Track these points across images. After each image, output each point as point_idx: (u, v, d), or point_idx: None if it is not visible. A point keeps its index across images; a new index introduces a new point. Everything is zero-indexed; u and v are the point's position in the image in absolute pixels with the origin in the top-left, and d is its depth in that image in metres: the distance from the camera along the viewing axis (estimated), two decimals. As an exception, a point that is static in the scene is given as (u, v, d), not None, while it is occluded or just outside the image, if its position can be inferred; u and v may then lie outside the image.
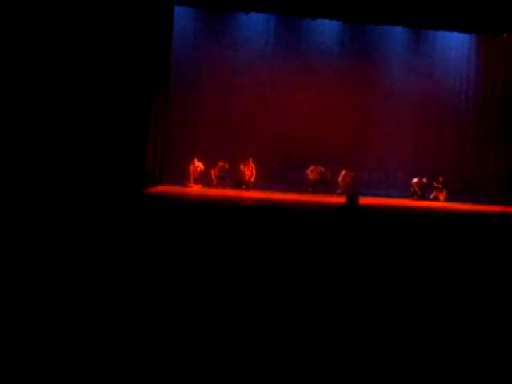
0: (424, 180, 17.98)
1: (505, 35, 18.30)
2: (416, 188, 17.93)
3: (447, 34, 18.63)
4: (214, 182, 17.16)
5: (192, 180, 16.91)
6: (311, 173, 17.50)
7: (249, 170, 17.13)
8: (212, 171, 17.17)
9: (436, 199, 17.96)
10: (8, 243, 6.22)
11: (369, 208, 13.28)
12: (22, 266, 5.32)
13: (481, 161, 19.16)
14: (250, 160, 17.11)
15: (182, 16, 17.33)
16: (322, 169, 17.55)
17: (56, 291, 4.66)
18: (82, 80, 13.27)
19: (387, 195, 17.54)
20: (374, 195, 16.91)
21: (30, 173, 12.14)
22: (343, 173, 17.44)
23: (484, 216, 13.71)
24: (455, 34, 18.65)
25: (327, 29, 18.45)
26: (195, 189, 16.48)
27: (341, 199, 13.70)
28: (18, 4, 12.56)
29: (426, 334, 4.12)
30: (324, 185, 17.55)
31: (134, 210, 10.60)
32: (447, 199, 17.89)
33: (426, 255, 7.35)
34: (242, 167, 17.14)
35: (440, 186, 17.97)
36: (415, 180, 17.97)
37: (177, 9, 16.72)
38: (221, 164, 17.20)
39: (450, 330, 4.26)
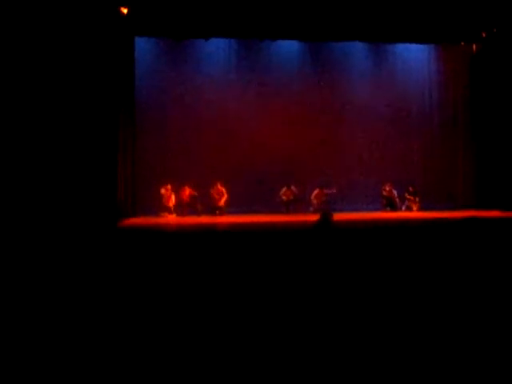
0: (394, 191, 18.16)
1: (462, 43, 18.79)
2: (387, 199, 18.15)
3: (407, 45, 18.89)
4: (186, 209, 17.06)
5: (166, 209, 16.80)
6: (284, 194, 17.53)
7: (220, 195, 17.09)
8: (183, 198, 17.07)
9: (409, 209, 18.13)
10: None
11: (343, 224, 13.25)
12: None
13: (450, 169, 19.42)
14: (218, 183, 17.10)
15: (144, 46, 17.38)
16: (294, 189, 17.57)
17: (27, 328, 4.64)
18: (45, 117, 13.17)
19: (360, 209, 17.65)
20: (347, 210, 16.94)
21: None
22: (316, 191, 17.53)
23: (455, 222, 13.82)
24: (414, 46, 18.93)
25: (288, 49, 18.56)
26: (169, 218, 16.36)
27: (315, 217, 13.78)
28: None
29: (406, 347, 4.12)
30: (297, 203, 17.59)
31: (108, 244, 10.27)
32: (420, 208, 18.06)
33: (405, 266, 7.31)
34: (214, 192, 17.10)
35: (412, 197, 18.16)
36: (386, 190, 18.16)
37: (138, 40, 16.79)
38: (190, 190, 17.13)
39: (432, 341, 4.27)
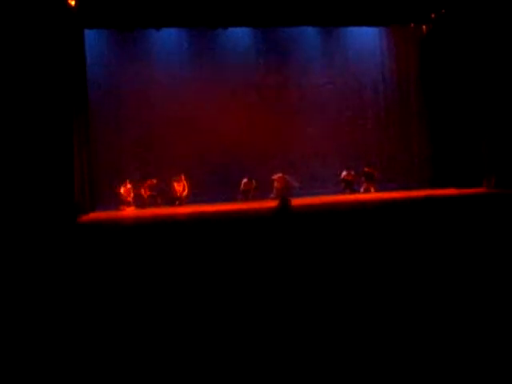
0: (352, 173, 18.33)
1: (412, 25, 19.17)
2: (346, 182, 18.31)
3: (358, 29, 19.05)
4: (146, 201, 16.96)
5: (125, 203, 16.66)
6: (244, 185, 17.57)
7: (180, 186, 17.05)
8: (142, 190, 16.99)
9: (367, 191, 18.35)
10: None
11: (302, 209, 13.38)
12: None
13: (405, 148, 19.69)
14: (182, 176, 17.06)
15: (94, 39, 17.14)
16: (255, 182, 17.61)
17: None
18: None
19: (320, 193, 17.67)
20: (307, 195, 17.02)
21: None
22: (275, 177, 17.52)
23: (413, 201, 14.26)
24: (365, 29, 19.12)
25: (240, 36, 18.56)
26: (128, 211, 16.27)
27: (274, 203, 13.86)
28: None
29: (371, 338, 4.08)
30: (256, 191, 17.63)
31: (67, 240, 10.44)
32: (378, 189, 18.31)
33: (365, 248, 7.42)
34: (174, 184, 17.05)
35: (368, 178, 18.40)
36: (344, 173, 18.32)
37: (87, 32, 16.55)
38: (149, 182, 17.07)
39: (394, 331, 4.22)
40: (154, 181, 17.12)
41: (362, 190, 18.47)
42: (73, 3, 14.75)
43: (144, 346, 4.09)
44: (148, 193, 17.12)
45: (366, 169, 18.46)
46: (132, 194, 16.86)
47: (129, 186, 16.80)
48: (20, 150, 13.19)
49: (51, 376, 3.61)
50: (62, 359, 3.89)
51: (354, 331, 4.18)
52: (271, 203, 14.16)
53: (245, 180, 17.55)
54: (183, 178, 17.10)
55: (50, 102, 13.83)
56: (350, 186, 18.30)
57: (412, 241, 7.82)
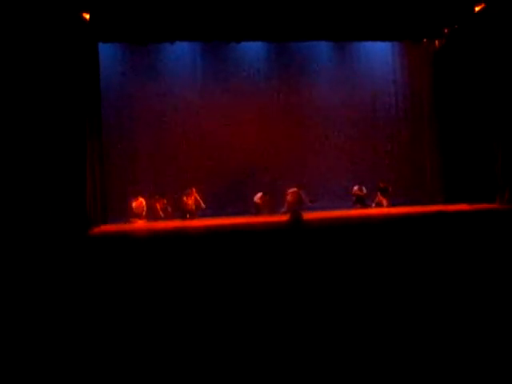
0: (363, 188, 18.34)
1: (424, 40, 19.20)
2: (357, 196, 18.31)
3: (371, 44, 19.14)
4: (157, 214, 16.98)
5: (135, 216, 16.72)
6: (259, 199, 17.51)
7: (191, 200, 17.05)
8: (157, 204, 17.05)
9: (379, 205, 18.33)
10: None
11: (313, 223, 13.40)
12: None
13: (417, 163, 19.70)
14: (193, 189, 17.06)
15: (108, 53, 17.27)
16: (269, 198, 17.55)
17: None
18: (11, 127, 13.05)
19: (330, 208, 17.67)
20: (318, 209, 17.04)
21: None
22: (290, 191, 17.48)
23: (425, 217, 14.09)
24: (378, 44, 19.21)
25: (253, 51, 18.69)
26: (139, 224, 16.31)
27: (285, 217, 13.78)
28: None
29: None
30: (267, 206, 17.54)
31: (78, 252, 10.23)
32: (390, 204, 18.26)
33: (376, 262, 7.36)
34: (184, 198, 17.05)
35: (382, 193, 18.40)
36: (355, 188, 18.32)
37: (101, 46, 16.66)
38: (159, 200, 17.15)
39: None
40: (165, 201, 17.18)
41: (373, 204, 18.46)
42: (87, 17, 14.87)
43: (155, 358, 4.05)
44: (161, 206, 17.13)
45: (381, 184, 18.47)
46: (144, 209, 16.91)
47: (141, 200, 16.87)
48: (33, 162, 13.28)
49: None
50: (71, 371, 3.87)
51: (365, 344, 4.17)
52: (283, 217, 14.29)
53: (258, 194, 17.52)
54: (194, 191, 17.09)
55: (64, 115, 13.96)
56: (361, 201, 18.29)
57: (423, 256, 7.69)
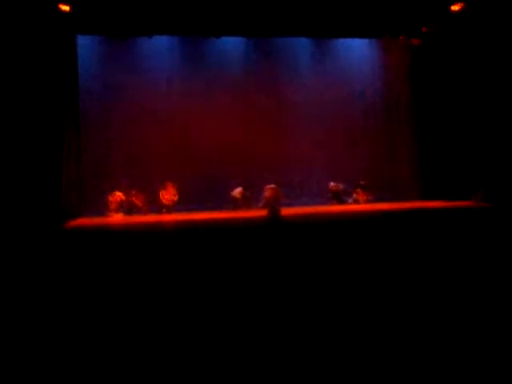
0: (340, 185, 18.54)
1: (402, 37, 19.47)
2: (333, 192, 18.50)
3: (350, 40, 19.42)
4: (134, 208, 17.05)
5: (112, 210, 16.71)
6: (234, 194, 17.62)
7: (168, 194, 17.08)
8: (133, 198, 17.05)
9: (356, 202, 18.56)
10: None
11: (291, 218, 13.56)
12: None
13: (395, 161, 20.07)
14: (170, 184, 17.09)
15: (86, 44, 17.32)
16: (248, 193, 17.70)
17: None
18: None
19: (308, 203, 17.96)
20: (295, 205, 17.33)
21: None
22: (268, 186, 17.63)
23: (402, 213, 14.42)
24: (358, 40, 19.52)
25: (233, 45, 18.79)
26: (116, 217, 16.34)
27: (263, 212, 13.85)
28: None
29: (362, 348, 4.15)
30: (246, 201, 17.66)
31: (52, 245, 10.33)
32: (367, 201, 18.55)
33: (354, 258, 7.53)
34: (161, 192, 17.09)
35: (362, 190, 18.64)
36: (332, 184, 18.52)
37: (80, 38, 16.78)
38: (135, 192, 17.11)
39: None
40: (138, 192, 17.15)
41: (350, 200, 18.67)
42: (66, 9, 14.88)
43: (130, 353, 4.12)
44: (135, 201, 17.12)
45: (361, 181, 18.73)
46: (120, 204, 16.91)
47: (118, 194, 16.87)
48: (8, 153, 13.35)
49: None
50: (42, 368, 3.91)
51: (343, 338, 4.25)
52: (260, 212, 14.46)
53: (238, 189, 17.65)
54: (171, 185, 17.12)
55: (41, 106, 14.07)
56: (337, 197, 18.49)
57: (399, 250, 7.92)
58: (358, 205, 18.18)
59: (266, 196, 17.44)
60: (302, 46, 19.39)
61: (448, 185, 18.09)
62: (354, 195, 18.72)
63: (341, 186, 18.53)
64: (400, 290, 5.74)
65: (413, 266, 6.85)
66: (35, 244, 10.44)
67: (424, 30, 18.64)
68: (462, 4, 16.44)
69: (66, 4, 14.87)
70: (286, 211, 14.13)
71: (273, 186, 17.55)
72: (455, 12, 16.74)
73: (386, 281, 6.11)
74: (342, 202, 18.38)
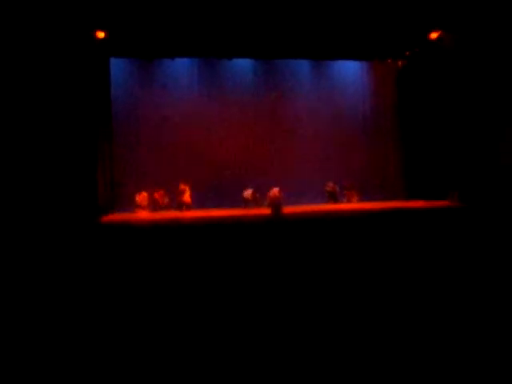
0: (336, 186, 20.32)
1: (389, 60, 21.32)
2: (330, 193, 20.27)
3: (344, 62, 21.25)
4: (158, 206, 18.85)
5: (139, 207, 18.54)
6: (247, 194, 19.29)
7: (187, 194, 18.83)
8: (156, 195, 18.90)
9: (349, 201, 20.36)
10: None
11: (292, 216, 14.74)
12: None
13: (382, 166, 21.82)
14: (187, 187, 18.81)
15: (118, 66, 19.24)
16: (253, 190, 19.29)
17: (14, 326, 4.65)
18: (36, 130, 14.49)
19: (307, 203, 19.44)
20: (296, 204, 18.66)
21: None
22: (271, 189, 18.63)
23: (383, 213, 15.33)
24: (350, 62, 21.34)
25: (242, 66, 20.70)
26: (143, 214, 17.93)
27: (267, 211, 15.54)
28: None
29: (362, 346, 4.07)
30: (255, 202, 19.24)
31: (90, 237, 11.12)
32: (358, 200, 20.34)
33: (344, 252, 7.89)
34: (179, 192, 18.83)
35: (348, 191, 20.47)
36: (329, 186, 20.28)
37: (112, 60, 18.69)
38: (158, 192, 19.03)
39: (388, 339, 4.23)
40: (162, 192, 19.07)
41: (345, 200, 20.43)
42: (101, 35, 16.42)
43: (156, 337, 4.19)
44: (159, 199, 19.05)
45: (343, 183, 20.47)
46: (146, 202, 18.74)
47: (144, 194, 18.71)
48: (54, 160, 14.71)
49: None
50: (75, 357, 3.91)
51: (343, 332, 4.27)
52: (265, 210, 15.88)
53: (249, 191, 19.25)
54: (188, 188, 18.81)
55: (80, 119, 15.42)
56: (333, 197, 20.16)
57: (384, 246, 8.33)
58: (350, 204, 19.84)
59: (270, 196, 18.65)
60: (302, 66, 21.24)
61: (428, 186, 19.66)
62: (346, 196, 20.53)
63: (337, 188, 20.28)
64: (386, 282, 5.82)
65: (393, 260, 7.08)
66: (76, 235, 11.35)
67: (407, 53, 20.47)
68: (440, 31, 18.08)
69: (102, 31, 16.42)
70: (287, 209, 15.59)
71: (277, 188, 18.62)
72: (434, 39, 18.41)
73: (372, 272, 6.27)
74: (337, 201, 20.12)
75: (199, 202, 19.07)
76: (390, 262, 6.99)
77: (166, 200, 19.21)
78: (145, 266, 7.07)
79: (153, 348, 3.96)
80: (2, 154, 14.06)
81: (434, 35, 18.37)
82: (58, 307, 5.14)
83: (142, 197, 18.85)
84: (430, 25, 17.90)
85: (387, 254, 7.60)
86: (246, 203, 19.35)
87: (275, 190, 18.57)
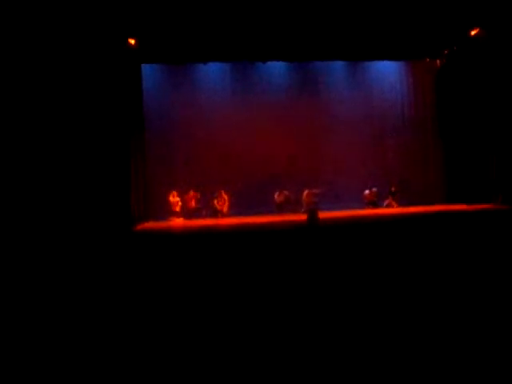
0: (374, 190, 19.88)
1: (427, 59, 20.75)
2: (369, 199, 19.85)
3: (381, 62, 20.73)
4: (192, 212, 18.60)
5: (174, 214, 18.34)
6: (278, 197, 19.07)
7: (222, 201, 18.73)
8: (188, 201, 18.70)
9: (389, 206, 19.81)
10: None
11: (329, 222, 14.33)
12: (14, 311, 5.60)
13: (422, 169, 21.21)
14: (222, 191, 18.73)
15: (149, 72, 19.19)
16: (287, 192, 19.08)
17: (49, 333, 4.82)
18: (71, 139, 14.50)
19: (345, 208, 18.96)
20: (334, 209, 18.37)
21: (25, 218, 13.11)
22: (306, 192, 18.70)
23: (426, 216, 15.01)
24: (387, 63, 20.83)
25: (277, 69, 20.38)
26: (177, 222, 17.75)
27: (304, 216, 14.92)
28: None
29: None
30: (290, 205, 18.95)
31: (124, 246, 11.26)
32: (399, 206, 19.76)
33: (385, 259, 7.85)
34: (215, 198, 18.76)
35: (393, 196, 19.96)
36: (367, 193, 19.88)
37: (144, 67, 18.61)
38: (193, 193, 18.79)
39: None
40: (198, 195, 18.83)
41: (384, 205, 19.95)
42: (133, 42, 16.41)
43: (186, 345, 4.31)
44: (194, 204, 18.81)
45: (392, 188, 20.00)
46: (179, 204, 18.56)
47: (176, 194, 18.54)
48: (87, 168, 14.67)
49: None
50: (109, 364, 4.06)
51: (377, 339, 4.29)
52: (301, 216, 15.50)
53: (277, 192, 19.06)
54: (223, 192, 18.75)
55: (112, 126, 15.34)
56: (372, 203, 19.74)
57: (426, 250, 8.27)
58: (391, 209, 19.35)
59: (306, 201, 18.57)
60: (337, 68, 20.84)
61: (470, 189, 19.04)
62: (387, 201, 20.04)
63: (375, 194, 19.86)
64: (429, 289, 5.79)
65: (436, 263, 7.11)
66: (110, 245, 11.37)
67: (446, 52, 19.94)
68: (480, 28, 17.50)
69: (133, 38, 16.41)
70: (323, 214, 15.14)
71: (307, 191, 18.64)
72: (474, 36, 17.85)
73: (413, 279, 6.25)
74: (376, 206, 19.68)
75: (233, 205, 18.95)
76: (439, 268, 6.88)
77: (198, 203, 19.01)
78: (178, 277, 7.10)
79: (187, 359, 4.01)
80: (36, 163, 14.03)
81: (473, 32, 17.79)
82: (90, 317, 5.24)
83: (175, 201, 18.67)
84: (470, 22, 17.33)
85: (435, 260, 7.47)
86: (279, 207, 19.10)
87: (310, 194, 18.34)
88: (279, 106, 20.31)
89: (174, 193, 18.66)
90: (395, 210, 18.99)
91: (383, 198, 20.16)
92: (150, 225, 16.77)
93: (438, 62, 21.03)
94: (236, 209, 18.93)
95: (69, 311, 5.39)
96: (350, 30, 17.12)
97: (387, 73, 21.31)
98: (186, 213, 18.74)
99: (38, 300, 5.99)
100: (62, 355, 4.17)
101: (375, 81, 21.20)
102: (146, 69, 18.97)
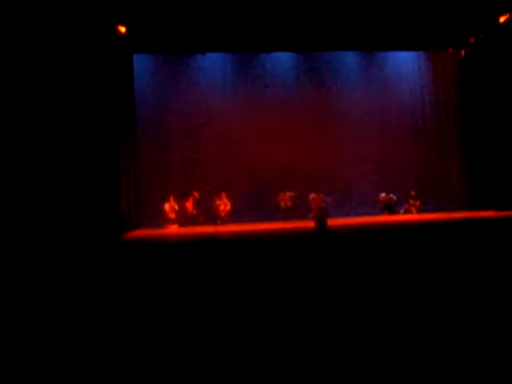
0: (391, 195, 18.55)
1: (450, 49, 19.52)
2: (385, 203, 18.54)
3: (397, 53, 19.49)
4: (189, 218, 17.47)
5: (168, 220, 17.21)
6: (282, 200, 17.92)
7: (222, 205, 17.55)
8: (187, 205, 17.53)
9: (408, 212, 18.58)
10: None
11: (338, 229, 13.62)
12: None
13: (444, 171, 19.94)
14: (223, 195, 17.57)
15: (142, 63, 18.06)
16: (292, 193, 17.93)
17: (37, 343, 4.67)
18: (51, 134, 13.53)
19: (359, 214, 18.06)
20: (346, 215, 17.47)
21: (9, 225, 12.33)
22: (312, 195, 17.68)
23: (452, 223, 14.30)
24: (405, 53, 19.57)
25: (282, 61, 19.17)
26: (172, 229, 16.76)
27: (312, 223, 14.11)
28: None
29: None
30: (296, 209, 17.86)
31: (112, 256, 10.67)
32: (419, 211, 18.52)
33: (403, 267, 7.48)
34: (215, 202, 17.58)
35: (413, 200, 18.68)
36: (383, 195, 18.56)
37: (136, 56, 17.45)
38: (192, 196, 17.60)
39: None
40: (197, 194, 17.61)
41: (401, 211, 18.67)
42: (123, 30, 15.49)
43: (182, 360, 4.16)
44: (192, 209, 17.59)
45: (412, 192, 18.79)
46: (176, 211, 17.37)
47: (173, 202, 17.36)
48: (70, 168, 13.71)
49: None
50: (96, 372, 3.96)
51: (390, 348, 4.18)
52: (309, 223, 14.61)
53: (280, 194, 17.94)
54: (224, 196, 17.59)
55: (99, 123, 14.41)
56: (389, 208, 18.49)
57: (450, 262, 7.82)
58: (410, 215, 18.17)
59: (313, 206, 17.48)
60: (349, 59, 19.61)
61: (496, 194, 17.88)
62: (406, 206, 18.77)
63: (393, 197, 18.56)
64: (450, 298, 5.60)
65: (462, 274, 6.77)
66: (96, 253, 10.87)
67: (471, 41, 18.66)
68: (509, 14, 16.39)
69: (123, 25, 15.48)
70: (335, 221, 14.37)
71: (313, 195, 17.60)
72: (503, 23, 16.67)
73: (433, 291, 5.99)
74: (393, 212, 18.41)
75: (235, 210, 17.83)
76: (466, 283, 6.42)
77: (196, 208, 17.75)
78: (170, 290, 6.85)
79: (181, 374, 3.91)
80: (16, 163, 13.13)
81: (503, 18, 16.59)
82: (78, 326, 5.20)
83: (170, 206, 17.44)
84: (499, 7, 16.18)
85: (460, 272, 7.05)
86: (285, 212, 17.96)
87: (317, 197, 17.39)
88: (285, 101, 19.09)
89: (170, 197, 17.48)
90: (415, 216, 17.86)
91: (401, 202, 18.92)
92: (142, 232, 15.98)
93: (462, 51, 19.77)
94: (237, 213, 17.81)
95: (50, 323, 5.31)
96: (364, 16, 16.02)
97: (404, 64, 20.00)
98: (183, 219, 17.52)
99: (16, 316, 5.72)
100: (51, 367, 4.10)
101: (391, 73, 19.84)
102: (138, 59, 17.78)
